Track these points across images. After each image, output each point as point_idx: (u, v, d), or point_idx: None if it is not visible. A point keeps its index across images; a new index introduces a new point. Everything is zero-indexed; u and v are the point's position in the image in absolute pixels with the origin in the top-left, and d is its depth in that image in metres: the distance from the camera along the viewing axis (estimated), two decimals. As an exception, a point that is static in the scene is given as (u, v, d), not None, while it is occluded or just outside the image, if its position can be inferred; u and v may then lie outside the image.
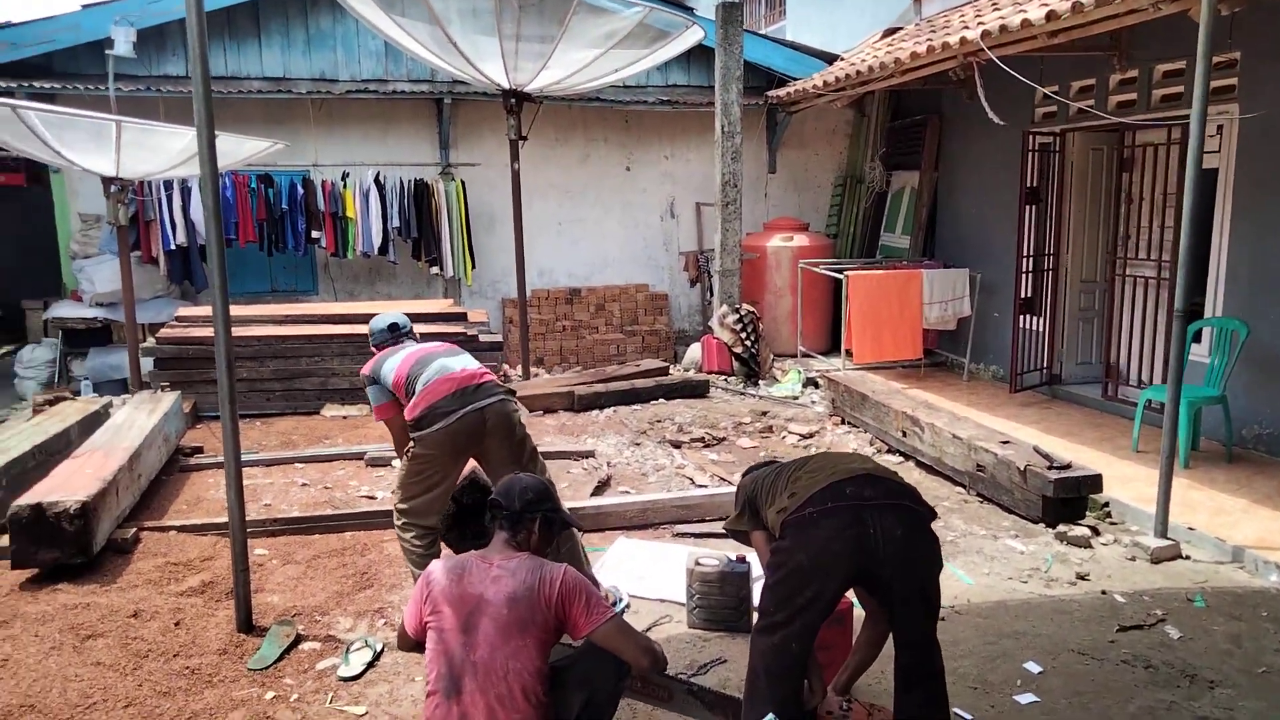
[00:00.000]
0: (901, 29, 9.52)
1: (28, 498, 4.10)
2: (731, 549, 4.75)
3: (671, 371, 8.94)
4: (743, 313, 8.90)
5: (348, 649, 3.53)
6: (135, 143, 6.78)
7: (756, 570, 3.88)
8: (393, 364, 4.01)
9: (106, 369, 8.96)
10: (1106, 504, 5.27)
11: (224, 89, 8.77)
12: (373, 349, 4.26)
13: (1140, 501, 5.26)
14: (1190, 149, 4.52)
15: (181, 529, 4.74)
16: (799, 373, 8.66)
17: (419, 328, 7.74)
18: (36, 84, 8.27)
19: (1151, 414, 6.53)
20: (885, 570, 2.52)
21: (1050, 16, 5.52)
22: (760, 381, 8.68)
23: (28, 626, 3.60)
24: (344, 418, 7.49)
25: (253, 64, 9.23)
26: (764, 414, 7.53)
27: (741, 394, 8.32)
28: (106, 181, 6.82)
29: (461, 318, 8.32)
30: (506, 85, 7.49)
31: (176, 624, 3.70)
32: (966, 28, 6.74)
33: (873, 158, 10.49)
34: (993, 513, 5.25)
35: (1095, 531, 4.91)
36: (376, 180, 9.16)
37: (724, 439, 6.95)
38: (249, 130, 8.40)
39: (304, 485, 5.75)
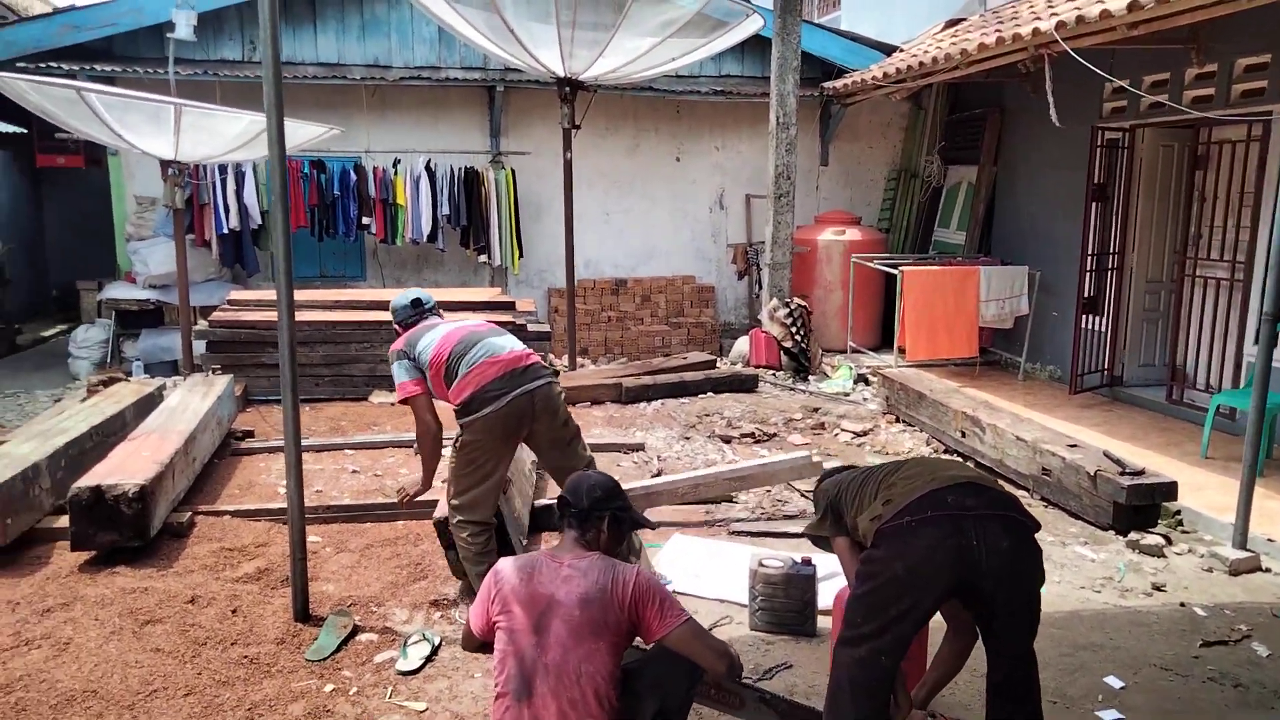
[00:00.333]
0: (964, 20, 9.27)
1: (87, 480, 4.10)
2: (788, 547, 4.65)
3: (718, 365, 8.82)
4: (793, 306, 8.74)
5: (405, 642, 3.48)
6: (193, 126, 6.80)
7: (822, 572, 3.78)
8: (431, 340, 3.78)
9: (158, 350, 9.05)
10: (1178, 512, 5.07)
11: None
12: (396, 328, 4.06)
13: (1213, 510, 5.07)
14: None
15: (235, 514, 4.73)
16: (850, 369, 8.50)
17: (467, 316, 7.78)
18: (97, 67, 8.35)
19: (1221, 419, 6.30)
20: (988, 583, 2.40)
21: (1133, 6, 5.29)
22: (810, 377, 8.53)
23: (88, 610, 3.60)
24: (391, 404, 7.46)
25: (307, 49, 9.24)
26: (815, 410, 7.39)
27: (791, 389, 8.18)
28: (164, 165, 6.85)
29: (509, 306, 8.27)
30: (562, 73, 7.40)
31: (233, 611, 3.68)
32: (1038, 19, 6.51)
33: (929, 151, 10.27)
34: (1059, 518, 5.08)
35: (1168, 540, 4.72)
36: (428, 167, 9.14)
37: (775, 435, 6.83)
38: (302, 115, 8.39)
39: (354, 472, 5.73)
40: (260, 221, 8.92)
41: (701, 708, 2.88)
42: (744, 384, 8.01)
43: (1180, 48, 6.71)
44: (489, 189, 9.38)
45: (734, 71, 10.26)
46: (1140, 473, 4.82)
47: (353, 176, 9.00)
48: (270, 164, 3.47)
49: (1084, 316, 7.73)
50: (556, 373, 3.90)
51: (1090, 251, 7.62)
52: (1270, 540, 4.67)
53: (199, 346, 7.78)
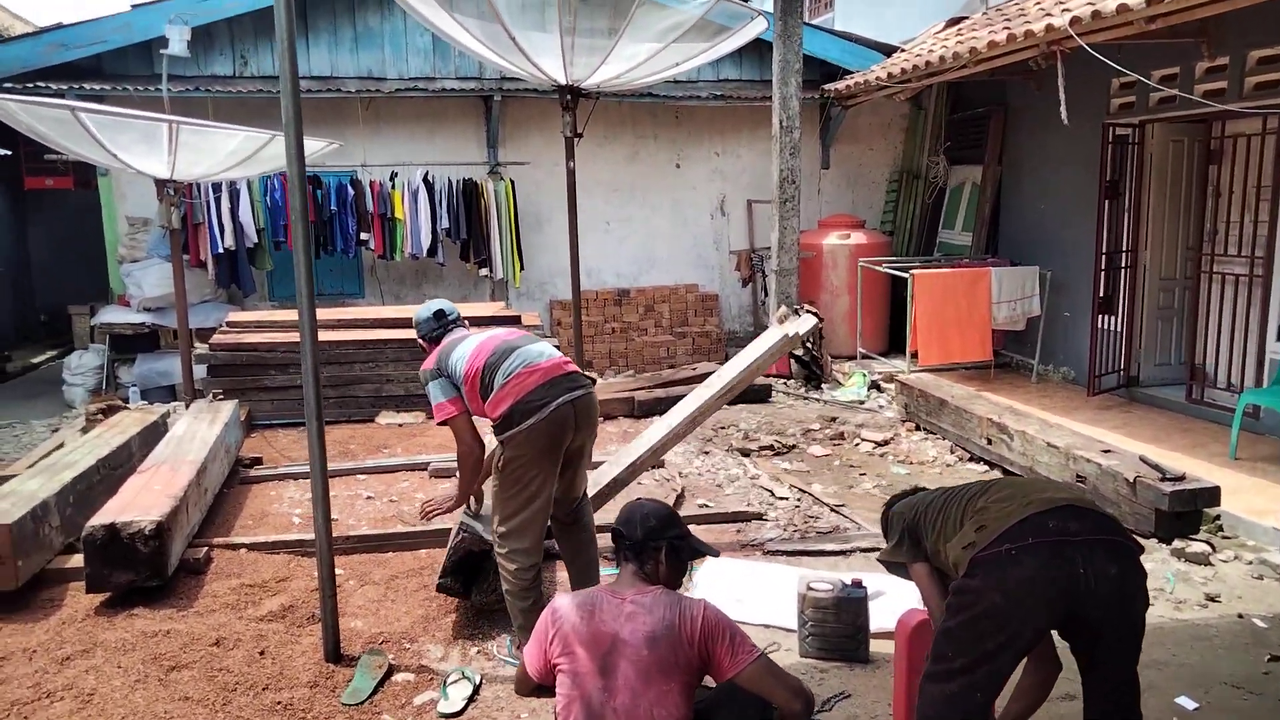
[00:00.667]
0: (967, 18, 9.19)
1: (100, 517, 3.93)
2: (825, 565, 4.52)
3: (729, 374, 8.67)
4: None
5: (445, 682, 3.32)
6: (187, 144, 6.60)
7: (872, 594, 3.64)
8: (463, 353, 3.55)
9: (154, 375, 8.84)
10: (1217, 517, 4.97)
11: (272, 88, 8.60)
12: (423, 344, 3.85)
13: (1254, 514, 4.97)
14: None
15: (252, 547, 4.56)
16: (864, 376, 8.39)
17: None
18: (86, 85, 8.15)
19: (1246, 419, 6.21)
20: (1096, 612, 2.27)
21: (1152, 0, 5.20)
22: (823, 385, 8.40)
23: (110, 656, 3.42)
24: (399, 425, 7.31)
25: (300, 62, 9.03)
26: (833, 420, 7.27)
27: (805, 398, 8.06)
28: (160, 184, 6.67)
29: (515, 321, 8.11)
30: (564, 81, 7.25)
31: (261, 653, 3.51)
32: (1048, 15, 6.42)
33: (932, 152, 10.18)
34: (1096, 526, 4.96)
35: (1212, 547, 4.62)
36: (425, 180, 8.98)
37: (794, 446, 6.70)
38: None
39: (369, 498, 5.56)
40: (255, 240, 8.73)
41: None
42: (757, 395, 7.88)
43: (1190, 42, 6.65)
44: (488, 201, 9.23)
45: (732, 75, 10.16)
46: (1181, 478, 4.71)
47: (350, 191, 8.83)
48: (290, 179, 3.31)
49: (1099, 316, 7.65)
50: (594, 381, 3.70)
51: (1103, 250, 7.54)
52: (1321, 546, 4.57)
53: (199, 371, 7.58)
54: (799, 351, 8.47)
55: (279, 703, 3.19)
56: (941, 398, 6.57)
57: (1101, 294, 7.62)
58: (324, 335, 7.54)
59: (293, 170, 3.27)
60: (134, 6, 8.37)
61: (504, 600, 3.58)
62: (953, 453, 6.38)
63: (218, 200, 8.44)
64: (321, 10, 9.13)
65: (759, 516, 5.09)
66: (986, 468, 6.07)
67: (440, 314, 3.83)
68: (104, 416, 6.66)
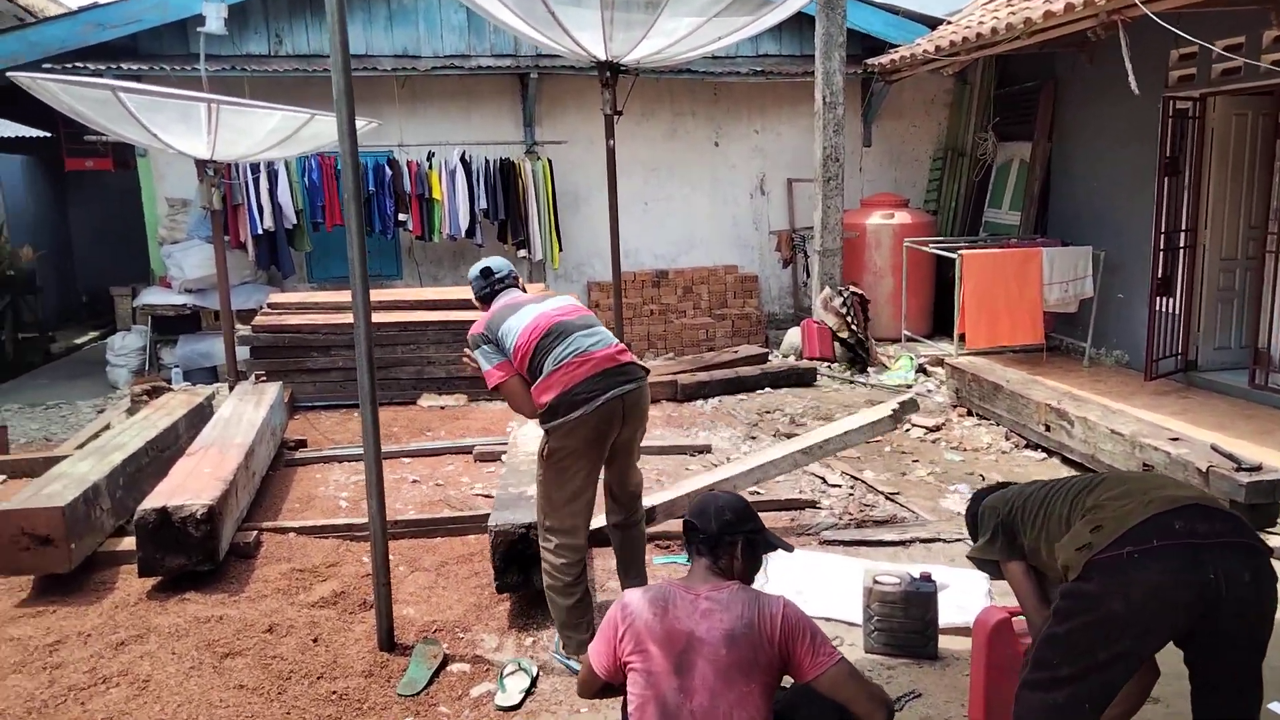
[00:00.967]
0: (1019, -12, 8.89)
1: (152, 500, 3.89)
2: (884, 556, 4.39)
3: (770, 358, 8.54)
4: (847, 295, 8.45)
5: (501, 673, 3.25)
6: (226, 124, 6.54)
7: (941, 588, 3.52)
8: (515, 325, 3.39)
9: (196, 357, 8.86)
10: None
11: (307, 67, 8.54)
12: (477, 303, 3.73)
13: (1329, 505, 4.76)
14: None
15: (301, 531, 4.51)
16: (911, 359, 8.20)
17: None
18: (124, 65, 8.12)
19: (1317, 404, 5.99)
20: (1226, 622, 2.12)
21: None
22: (869, 369, 8.23)
23: (163, 642, 3.38)
24: (441, 408, 7.26)
25: (337, 42, 8.97)
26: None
27: (850, 382, 7.90)
28: (200, 164, 6.62)
29: (555, 302, 8.01)
30: (603, 56, 7.10)
31: (314, 640, 3.46)
32: (1111, -17, 6.16)
33: (979, 128, 9.92)
34: (1164, 516, 4.79)
35: (1289, 539, 4.43)
36: (463, 159, 8.88)
37: (841, 430, 6.55)
38: (331, 109, 8.16)
39: (415, 482, 5.51)
40: (295, 221, 8.69)
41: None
42: (802, 378, 7.74)
43: (1256, 9, 6.35)
44: (526, 180, 9.12)
45: (772, 51, 9.94)
46: (1258, 467, 4.52)
47: (387, 172, 8.76)
48: (342, 157, 3.22)
49: (1157, 298, 7.40)
50: (648, 371, 3.57)
51: (1162, 229, 7.28)
52: (1400, 537, 4.37)
53: (241, 352, 7.57)
54: (844, 334, 8.31)
55: (334, 692, 3.13)
56: (996, 382, 6.39)
57: (1161, 275, 7.38)
58: (364, 317, 7.49)
59: (344, 147, 3.18)
60: (170, -15, 8.32)
61: None
62: (1008, 439, 6.21)
63: (256, 181, 8.40)
64: (357, -13, 9.04)
65: (812, 504, 4.97)
66: (1044, 455, 5.90)
67: (487, 271, 3.68)
68: (149, 398, 6.68)
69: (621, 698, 2.37)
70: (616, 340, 3.51)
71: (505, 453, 5.88)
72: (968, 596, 3.82)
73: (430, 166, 8.88)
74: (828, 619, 3.70)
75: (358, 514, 4.90)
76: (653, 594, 2.34)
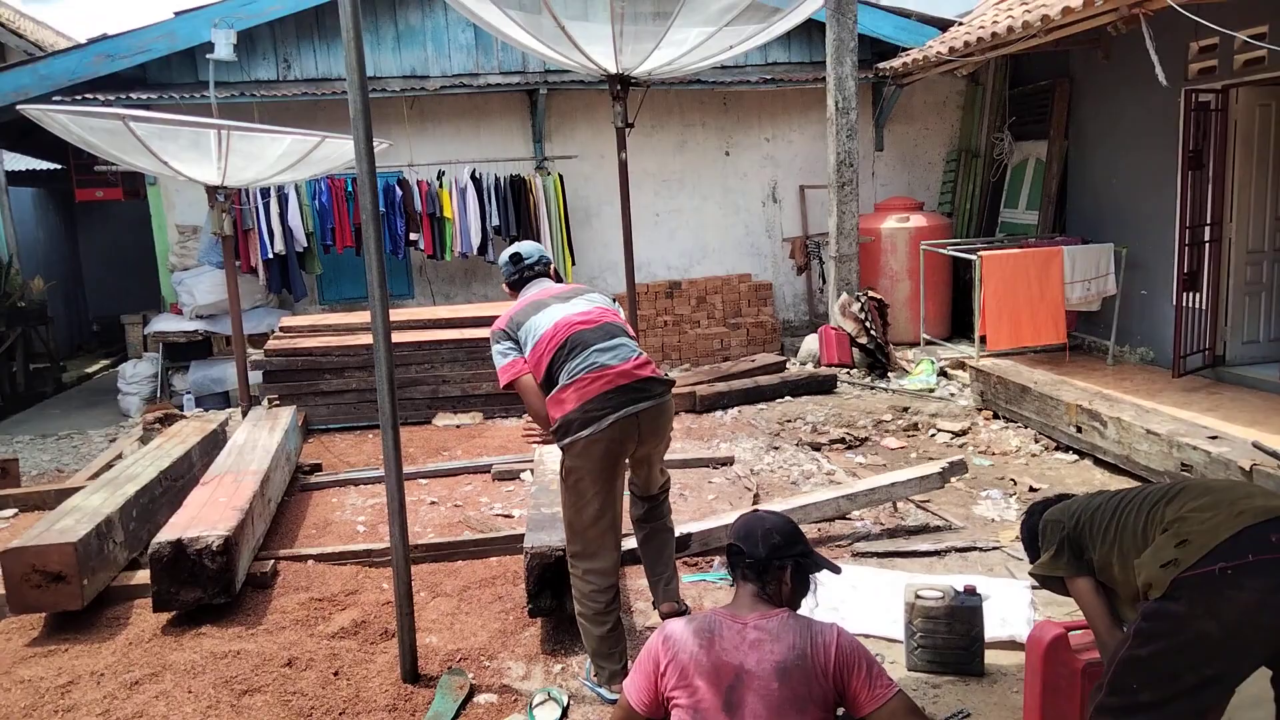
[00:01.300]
0: (1029, -14, 8.79)
1: (166, 533, 3.79)
2: (920, 567, 4.25)
3: (788, 366, 8.41)
4: (864, 300, 8.32)
5: (530, 704, 3.13)
6: (236, 150, 6.49)
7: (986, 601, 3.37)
8: (536, 325, 3.31)
9: (208, 382, 8.81)
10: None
11: (316, 90, 8.52)
12: (506, 289, 3.65)
13: (1378, 501, 4.59)
14: None
15: (319, 558, 4.41)
16: (931, 363, 8.05)
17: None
18: (133, 95, 8.11)
19: (1357, 398, 5.81)
20: None
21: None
22: (889, 374, 8.09)
23: (179, 680, 3.27)
24: (457, 427, 7.15)
25: (343, 64, 8.94)
26: (904, 410, 6.97)
27: (871, 388, 7.76)
28: (211, 191, 6.57)
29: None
30: (614, 70, 7.02)
31: (335, 674, 3.34)
32: (1128, -25, 6.04)
33: (993, 129, 9.79)
34: (1206, 518, 4.63)
35: (1339, 539, 4.26)
36: (473, 177, 8.83)
37: (866, 439, 6.43)
38: (340, 132, 8.13)
39: (433, 503, 5.40)
40: (305, 244, 8.64)
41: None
42: (821, 385, 7.61)
43: (1281, -2, 6.23)
44: (537, 196, 9.05)
45: (781, 59, 9.86)
46: (1303, 465, 4.36)
47: (398, 192, 8.70)
48: (360, 177, 3.14)
49: (1184, 294, 7.24)
50: (672, 384, 3.45)
51: (1186, 224, 7.13)
52: None
53: (254, 377, 7.50)
54: (863, 340, 8.18)
55: (358, 729, 3.02)
56: (1023, 384, 6.25)
57: (1186, 270, 7.22)
58: (377, 338, 7.41)
59: (362, 167, 3.10)
60: (176, 14, 8.31)
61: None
62: (1037, 441, 6.06)
63: (266, 205, 8.36)
64: (363, 10, 8.92)
65: (841, 515, 4.82)
66: (1076, 457, 5.75)
67: (516, 257, 3.60)
68: (162, 425, 6.60)
69: None
70: (639, 352, 3.36)
71: (524, 471, 5.80)
72: (1010, 609, 3.68)
73: (441, 185, 8.83)
74: (867, 635, 3.56)
75: (376, 538, 4.80)
76: (698, 624, 2.21)
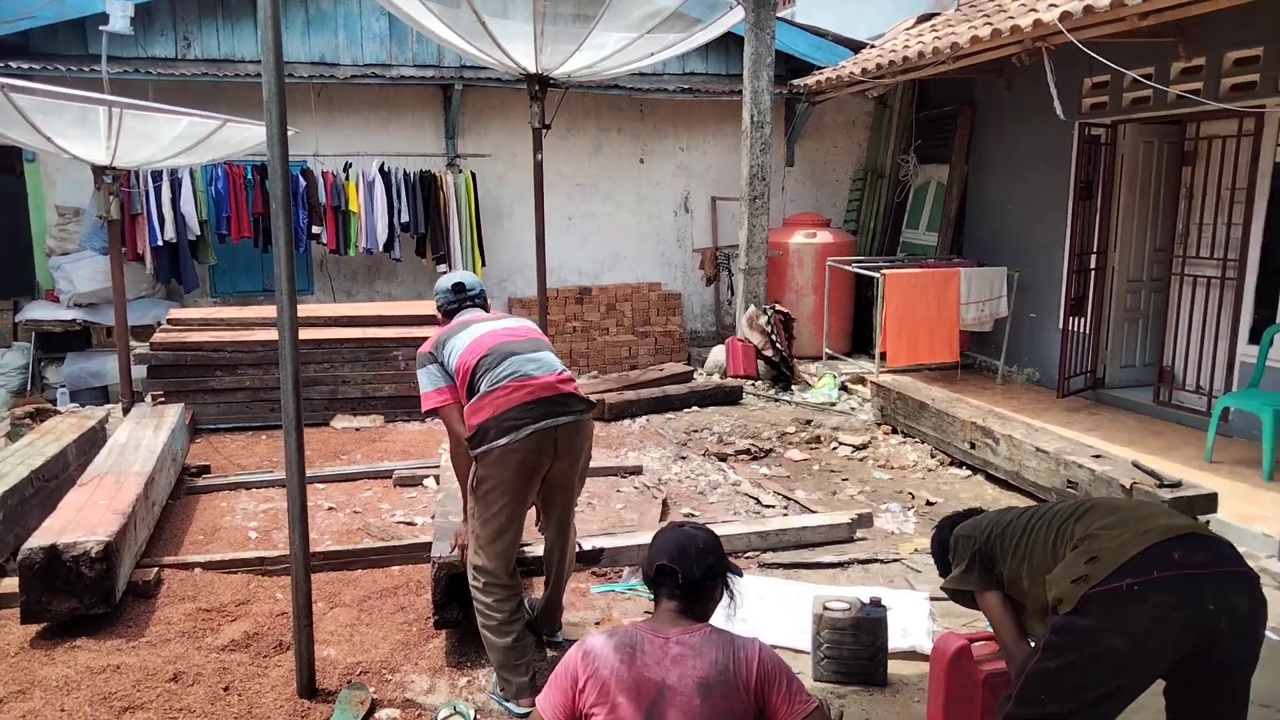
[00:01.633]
0: (939, 14, 9.13)
1: (39, 538, 3.52)
2: (824, 579, 4.32)
3: (696, 376, 8.47)
4: (770, 313, 8.45)
5: (436, 718, 3.02)
6: (128, 129, 6.12)
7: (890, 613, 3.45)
8: (460, 343, 3.27)
9: (85, 376, 8.28)
10: (1207, 524, 4.90)
11: (218, 71, 8.13)
12: (439, 315, 3.55)
13: (1241, 519, 4.93)
14: None
15: (207, 566, 4.18)
16: (834, 377, 8.24)
17: (427, 331, 7.25)
18: (12, 64, 7.55)
19: (1223, 423, 6.22)
20: (1220, 654, 2.06)
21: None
22: (793, 387, 8.24)
23: (50, 698, 3.04)
24: (356, 430, 6.92)
25: (247, 46, 8.57)
26: (807, 423, 7.09)
27: (775, 400, 7.88)
28: (98, 171, 6.17)
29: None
30: (533, 69, 6.94)
31: (225, 689, 3.16)
32: (1032, 10, 6.33)
33: (901, 150, 10.11)
34: (1090, 533, 4.86)
35: (1208, 554, 4.53)
36: (381, 170, 8.57)
37: (771, 450, 6.52)
38: (243, 116, 7.77)
39: (331, 509, 5.20)
40: (198, 233, 8.23)
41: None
42: (728, 396, 7.68)
43: (1168, 41, 6.63)
44: (447, 194, 8.86)
45: (698, 69, 9.94)
46: (1178, 484, 4.63)
47: (301, 182, 8.37)
48: (271, 164, 2.99)
49: (1070, 318, 7.62)
50: (593, 405, 3.41)
51: (1076, 251, 7.51)
52: (1310, 549, 4.53)
53: (137, 371, 7.08)
54: (769, 352, 8.31)
55: (250, 747, 2.86)
56: (921, 400, 6.45)
57: (1074, 295, 7.60)
58: (273, 334, 7.07)
59: (274, 153, 2.96)
60: (66, -20, 7.80)
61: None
62: (933, 457, 6.26)
63: (158, 190, 7.93)
64: (270, -10, 8.65)
65: (751, 549, 4.85)
66: (969, 472, 5.96)
67: (459, 286, 3.54)
68: (33, 421, 6.17)
69: None
70: (562, 368, 3.34)
71: (427, 477, 5.65)
72: (911, 620, 3.77)
73: (347, 178, 8.54)
74: (774, 646, 3.56)
75: (269, 545, 4.60)
76: (619, 639, 2.16)
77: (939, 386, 7.17)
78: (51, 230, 8.45)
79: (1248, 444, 6.15)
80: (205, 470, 5.77)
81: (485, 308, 3.60)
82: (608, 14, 6.45)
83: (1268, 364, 6.05)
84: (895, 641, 3.50)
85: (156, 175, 7.90)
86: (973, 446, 5.89)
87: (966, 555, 2.51)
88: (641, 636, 2.14)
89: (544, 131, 7.49)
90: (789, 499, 5.42)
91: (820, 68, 9.53)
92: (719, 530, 4.61)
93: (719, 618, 2.31)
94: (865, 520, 4.93)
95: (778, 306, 8.63)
